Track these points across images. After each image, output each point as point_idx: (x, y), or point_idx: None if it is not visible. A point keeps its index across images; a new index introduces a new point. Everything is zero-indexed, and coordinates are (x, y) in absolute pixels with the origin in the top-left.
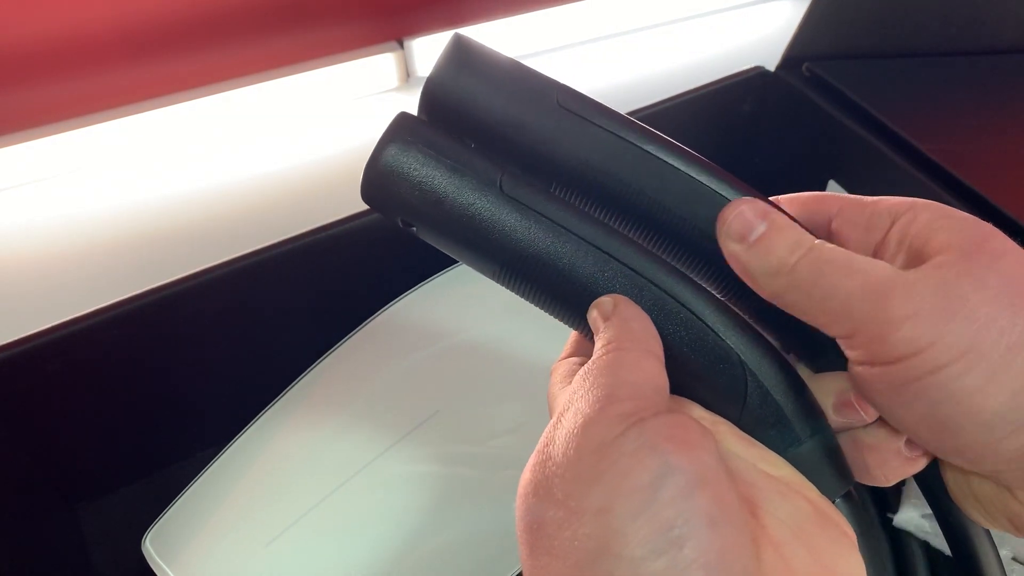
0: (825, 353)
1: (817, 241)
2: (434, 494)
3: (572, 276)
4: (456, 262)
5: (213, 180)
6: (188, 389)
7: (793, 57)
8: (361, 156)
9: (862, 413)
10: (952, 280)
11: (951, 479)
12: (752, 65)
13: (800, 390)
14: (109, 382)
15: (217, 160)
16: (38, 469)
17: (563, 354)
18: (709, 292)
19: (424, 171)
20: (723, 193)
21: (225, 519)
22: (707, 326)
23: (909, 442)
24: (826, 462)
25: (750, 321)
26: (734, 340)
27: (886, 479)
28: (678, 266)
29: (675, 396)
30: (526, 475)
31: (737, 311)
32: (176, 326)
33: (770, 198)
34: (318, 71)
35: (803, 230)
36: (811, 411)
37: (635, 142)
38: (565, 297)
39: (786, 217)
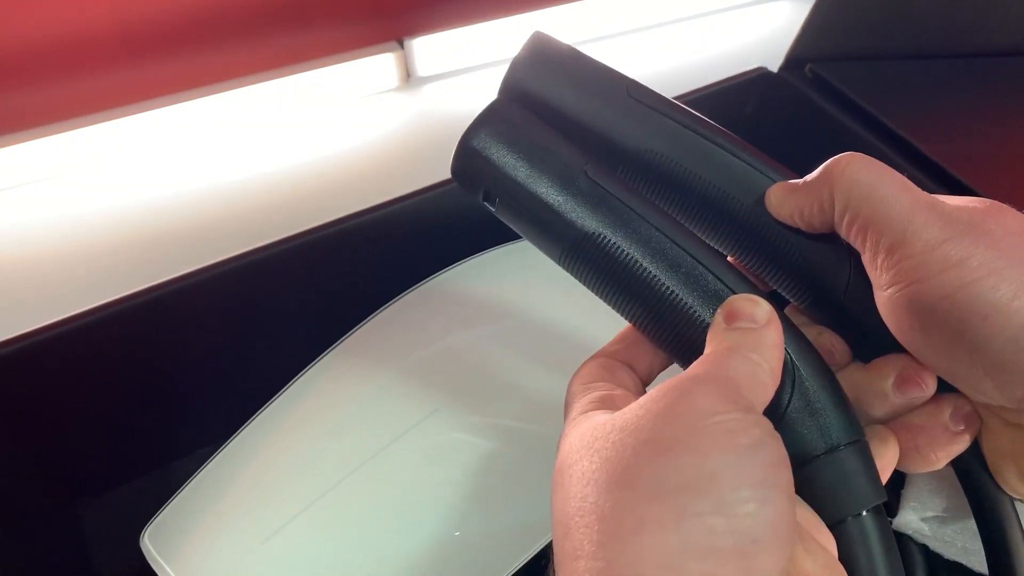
0: (877, 343)
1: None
2: (431, 492)
3: (641, 264)
4: (455, 261)
5: (213, 180)
6: (188, 386)
7: (796, 58)
8: (361, 156)
9: (923, 386)
10: (979, 218)
11: (988, 442)
12: (755, 66)
13: (842, 396)
14: (109, 379)
15: (217, 160)
16: (38, 465)
17: (602, 349)
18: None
19: (510, 156)
20: (773, 177)
21: (223, 515)
22: None
23: (954, 414)
24: (862, 471)
25: (804, 318)
26: (786, 341)
27: (936, 458)
28: (736, 252)
29: None
30: (606, 420)
31: (786, 316)
32: (176, 323)
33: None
34: (318, 71)
35: None
36: (852, 417)
37: (696, 131)
38: (628, 285)
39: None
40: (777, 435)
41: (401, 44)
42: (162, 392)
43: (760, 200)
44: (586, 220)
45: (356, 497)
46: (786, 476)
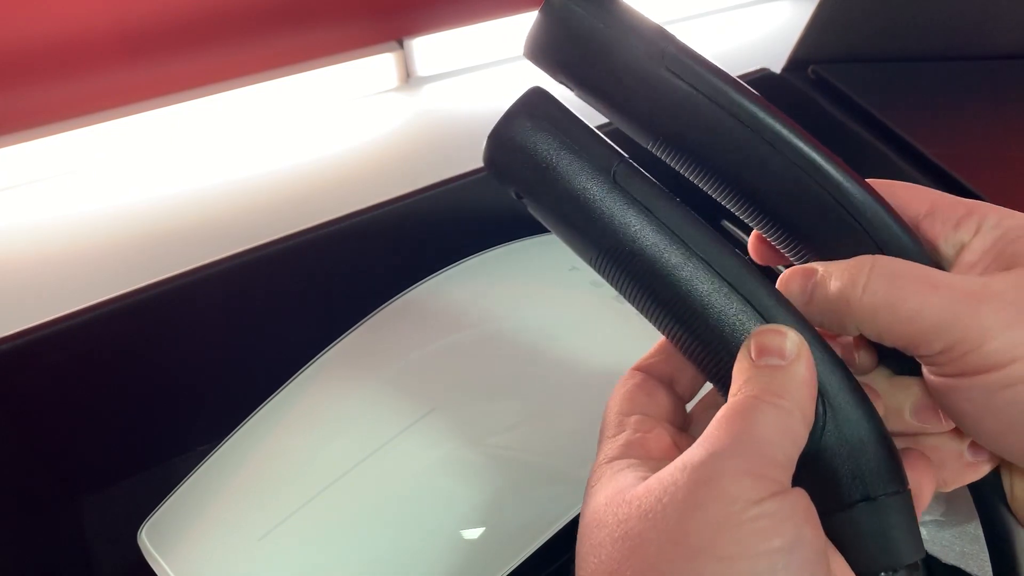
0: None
1: (874, 259)
2: (428, 490)
3: (669, 278)
4: (454, 261)
5: (213, 180)
6: (188, 383)
7: (799, 60)
8: (361, 156)
9: (942, 421)
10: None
11: (1018, 487)
12: (757, 67)
13: (883, 433)
14: (110, 375)
15: (217, 160)
16: (38, 461)
17: (641, 361)
18: (805, 320)
19: (541, 150)
20: (826, 167)
21: (220, 512)
22: None
23: (973, 446)
24: (902, 524)
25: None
26: (819, 368)
27: (944, 483)
28: (767, 229)
29: None
30: (636, 490)
31: (829, 345)
32: (176, 321)
33: (866, 180)
34: (318, 71)
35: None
36: (895, 461)
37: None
38: (660, 298)
39: (831, 263)
40: (814, 524)
41: (401, 44)
42: (162, 389)
43: (803, 191)
44: (609, 233)
45: (352, 495)
46: (823, 573)
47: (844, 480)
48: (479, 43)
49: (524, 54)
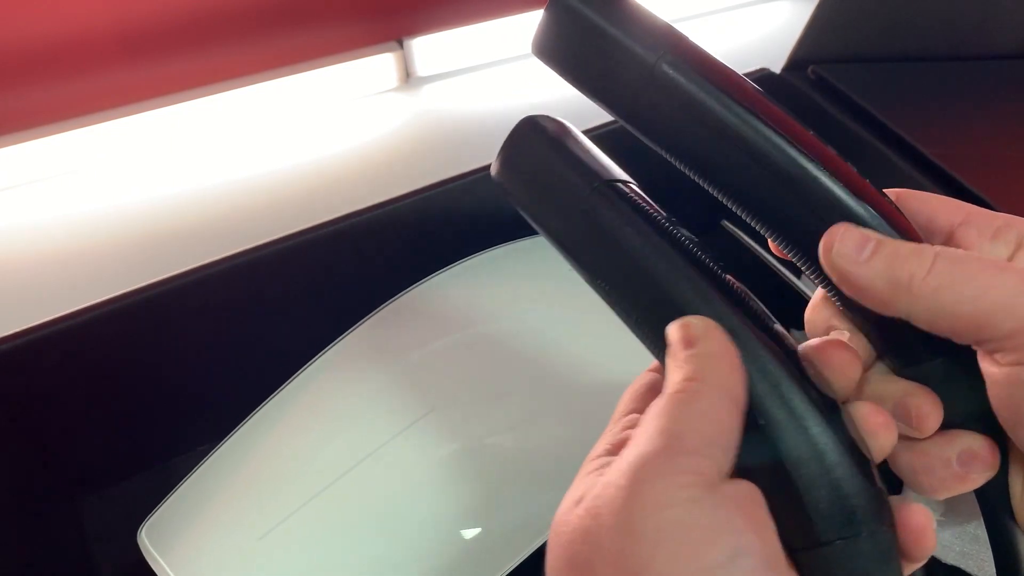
0: (914, 354)
1: (939, 246)
2: (427, 490)
3: (643, 306)
4: (454, 261)
5: (213, 180)
6: (188, 383)
7: (799, 60)
8: (361, 156)
9: (914, 424)
10: None
11: None
12: (757, 67)
13: (857, 459)
14: (110, 375)
15: (217, 160)
16: (39, 461)
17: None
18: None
19: (520, 195)
20: (818, 180)
21: (220, 512)
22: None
23: (963, 456)
24: (875, 567)
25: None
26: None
27: (933, 489)
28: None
29: None
30: (575, 519)
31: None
32: (176, 321)
33: (886, 191)
34: (318, 71)
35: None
36: (873, 491)
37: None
38: (638, 323)
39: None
40: (759, 529)
41: (401, 44)
42: (162, 389)
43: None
44: (582, 260)
45: (352, 495)
46: None
47: (799, 515)
48: (479, 43)
49: (532, 51)
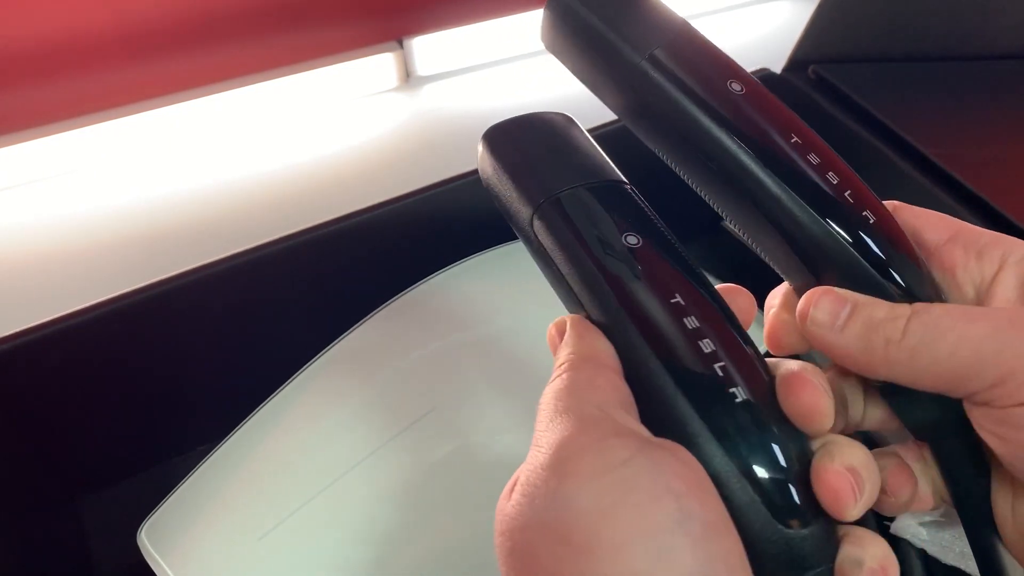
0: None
1: (916, 304)
2: (429, 490)
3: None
4: (454, 261)
5: (213, 180)
6: (188, 383)
7: (799, 60)
8: (361, 156)
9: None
10: None
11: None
12: (758, 67)
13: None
14: (110, 375)
15: (217, 160)
16: (39, 461)
17: None
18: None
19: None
20: (783, 201)
21: (219, 512)
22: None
23: (894, 474)
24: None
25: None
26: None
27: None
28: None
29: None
30: (509, 508)
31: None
32: (176, 320)
33: (887, 201)
34: (318, 71)
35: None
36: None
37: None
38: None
39: (868, 296)
40: (699, 494)
41: (401, 44)
42: (161, 389)
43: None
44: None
45: (352, 495)
46: (722, 547)
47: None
48: (479, 43)
49: (543, 46)
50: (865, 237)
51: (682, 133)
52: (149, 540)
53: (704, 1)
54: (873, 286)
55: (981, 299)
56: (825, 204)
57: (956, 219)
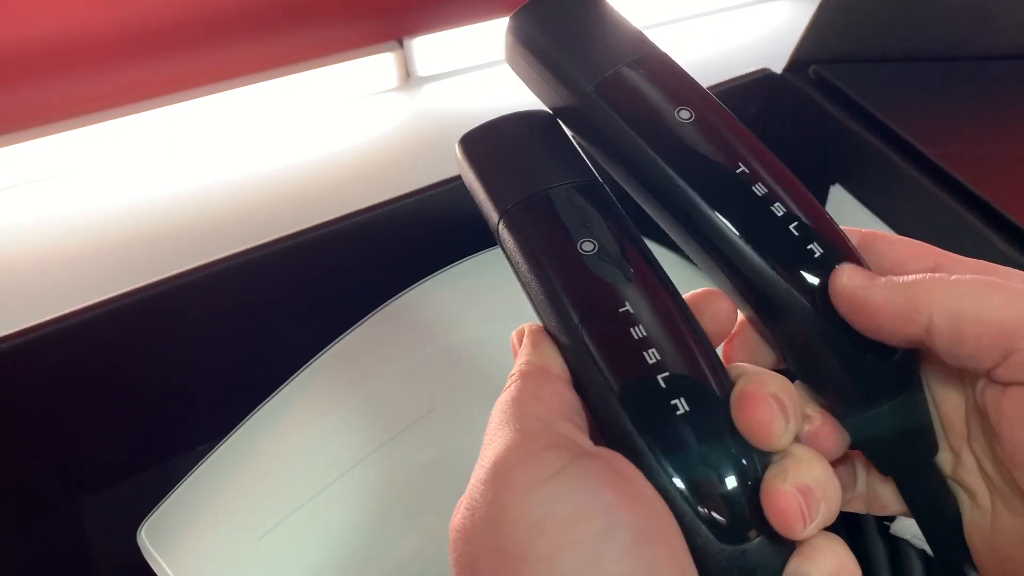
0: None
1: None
2: (427, 490)
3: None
4: (454, 261)
5: (213, 180)
6: (188, 383)
7: (800, 60)
8: (361, 156)
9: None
10: None
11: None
12: (759, 67)
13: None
14: (110, 374)
15: (217, 160)
16: (39, 460)
17: None
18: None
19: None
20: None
21: (219, 512)
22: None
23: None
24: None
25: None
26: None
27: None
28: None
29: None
30: (456, 521)
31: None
32: (175, 320)
33: (864, 231)
34: (318, 71)
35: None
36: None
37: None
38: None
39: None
40: (629, 503)
41: (401, 44)
42: (161, 388)
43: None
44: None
45: (351, 495)
46: (649, 555)
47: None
48: (479, 43)
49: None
50: (805, 274)
51: (627, 165)
52: (149, 539)
53: (704, 1)
54: (813, 333)
55: None
56: (764, 240)
57: (936, 248)
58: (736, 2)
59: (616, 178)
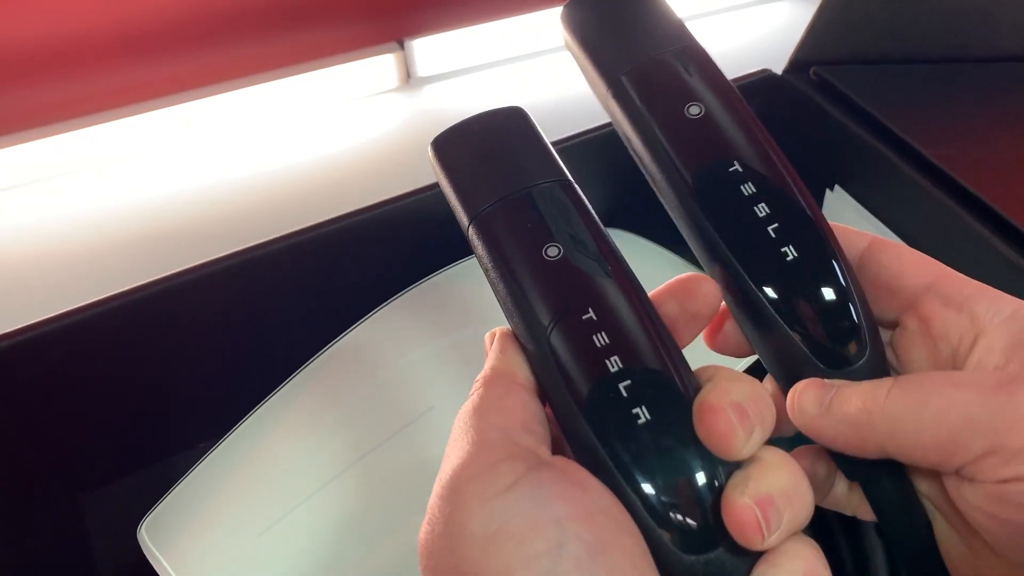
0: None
1: (896, 377)
2: (427, 488)
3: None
4: (454, 261)
5: (213, 180)
6: (187, 380)
7: (801, 61)
8: (361, 156)
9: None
10: None
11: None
12: (759, 68)
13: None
14: (110, 372)
15: (217, 160)
16: (39, 457)
17: None
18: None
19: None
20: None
21: (218, 509)
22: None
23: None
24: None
25: None
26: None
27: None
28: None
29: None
30: (421, 535)
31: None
32: (176, 318)
33: (871, 236)
34: (318, 71)
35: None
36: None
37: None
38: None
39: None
40: (584, 519)
41: (401, 44)
42: (161, 386)
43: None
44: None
45: (351, 492)
46: (604, 566)
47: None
48: (479, 43)
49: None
50: (800, 300)
51: (641, 160)
52: (149, 536)
53: (705, 2)
54: (789, 347)
55: (956, 356)
56: (752, 256)
57: (939, 264)
58: (736, 2)
59: (640, 166)
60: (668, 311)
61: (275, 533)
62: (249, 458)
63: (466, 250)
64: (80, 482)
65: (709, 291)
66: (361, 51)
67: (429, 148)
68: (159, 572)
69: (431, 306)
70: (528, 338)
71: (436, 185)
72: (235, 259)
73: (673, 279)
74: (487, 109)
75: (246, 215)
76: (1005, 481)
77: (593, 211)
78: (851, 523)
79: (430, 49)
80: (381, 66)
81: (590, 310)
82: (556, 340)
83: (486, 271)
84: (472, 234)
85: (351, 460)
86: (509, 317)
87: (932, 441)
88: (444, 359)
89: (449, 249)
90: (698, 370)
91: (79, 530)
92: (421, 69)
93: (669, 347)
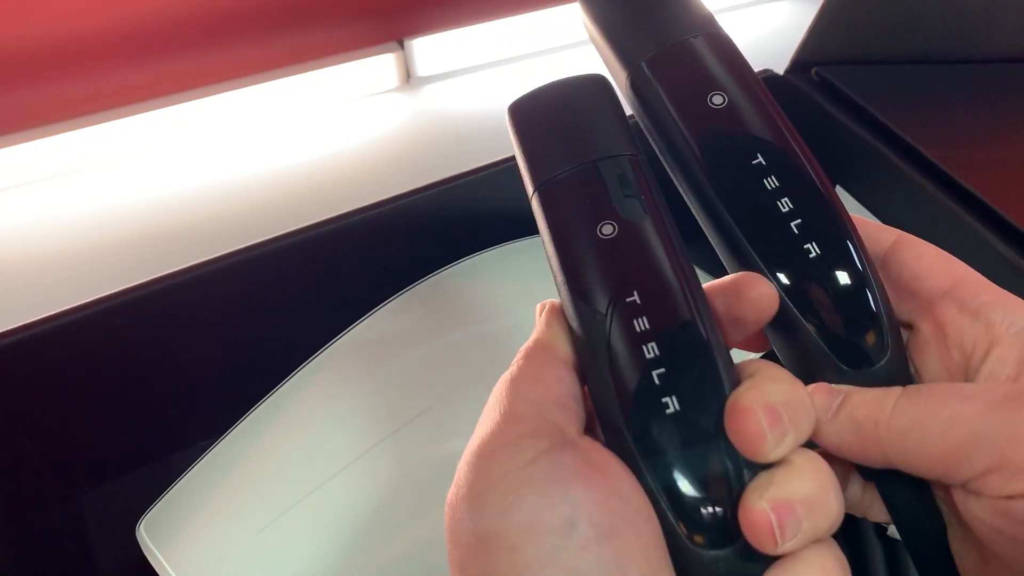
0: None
1: (905, 387)
2: (426, 487)
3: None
4: (454, 260)
5: (213, 180)
6: (187, 379)
7: (802, 61)
8: (361, 156)
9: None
10: None
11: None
12: (761, 68)
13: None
14: (110, 370)
15: (217, 160)
16: (38, 455)
17: None
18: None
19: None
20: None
21: (218, 507)
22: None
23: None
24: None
25: None
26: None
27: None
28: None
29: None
30: (448, 496)
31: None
32: (175, 317)
33: (896, 232)
34: (318, 71)
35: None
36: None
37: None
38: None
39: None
40: (598, 503)
41: (401, 44)
42: (161, 384)
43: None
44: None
45: (349, 491)
46: (613, 548)
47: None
48: (479, 43)
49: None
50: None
51: (662, 150)
52: (148, 534)
53: (706, 1)
54: (806, 340)
55: (969, 365)
56: (773, 251)
57: (962, 265)
58: (738, 2)
59: (660, 156)
60: (719, 307)
61: (274, 531)
62: (248, 456)
63: (465, 249)
64: (79, 480)
65: (765, 293)
66: (361, 51)
67: (506, 113)
68: (158, 570)
69: (431, 306)
70: (572, 312)
71: (436, 185)
72: (235, 257)
73: (727, 277)
74: (567, 76)
75: (246, 214)
76: (1010, 497)
77: (658, 189)
78: (851, 523)
79: (430, 49)
80: (381, 66)
81: (635, 293)
82: (597, 319)
83: (543, 242)
84: (535, 203)
85: (350, 458)
86: (558, 290)
87: (937, 454)
88: (444, 358)
89: (449, 249)
90: (742, 363)
91: (78, 528)
92: (421, 69)
93: (713, 341)
